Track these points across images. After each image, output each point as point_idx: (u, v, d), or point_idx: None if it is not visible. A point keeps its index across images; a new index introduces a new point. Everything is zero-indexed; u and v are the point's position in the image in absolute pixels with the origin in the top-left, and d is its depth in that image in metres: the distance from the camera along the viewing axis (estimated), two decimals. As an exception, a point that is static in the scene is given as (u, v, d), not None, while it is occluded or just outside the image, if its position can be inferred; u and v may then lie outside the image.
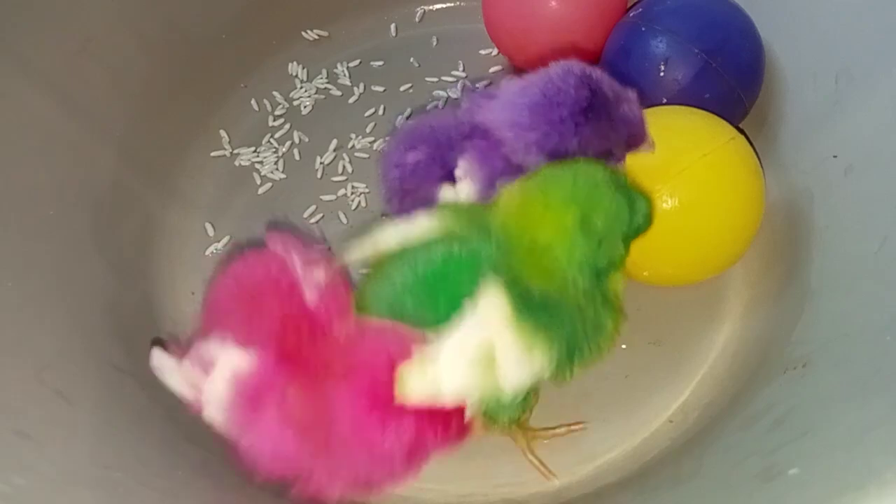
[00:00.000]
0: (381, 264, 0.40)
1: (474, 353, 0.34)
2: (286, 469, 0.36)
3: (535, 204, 0.37)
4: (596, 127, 0.42)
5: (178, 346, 0.40)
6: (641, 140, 0.45)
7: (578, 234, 0.36)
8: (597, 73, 0.45)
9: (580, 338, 0.37)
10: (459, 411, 0.36)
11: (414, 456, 0.36)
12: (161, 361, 0.37)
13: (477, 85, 0.53)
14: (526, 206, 0.37)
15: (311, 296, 0.38)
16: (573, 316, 0.37)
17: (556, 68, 0.46)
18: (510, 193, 0.38)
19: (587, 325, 0.37)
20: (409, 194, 0.44)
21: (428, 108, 0.57)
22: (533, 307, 0.36)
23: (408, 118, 0.58)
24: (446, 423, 0.36)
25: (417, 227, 0.39)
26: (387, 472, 0.36)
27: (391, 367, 0.35)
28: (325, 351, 0.37)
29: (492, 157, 0.42)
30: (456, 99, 0.59)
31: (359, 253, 0.41)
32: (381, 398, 0.35)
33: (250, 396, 0.35)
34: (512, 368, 0.35)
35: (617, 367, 0.47)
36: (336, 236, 0.54)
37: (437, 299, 0.37)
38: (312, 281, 0.38)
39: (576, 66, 0.46)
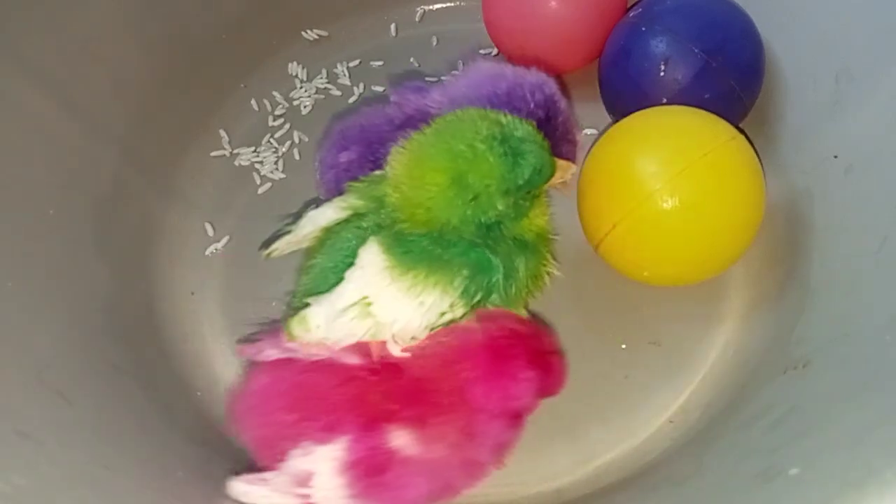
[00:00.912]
0: (307, 255, 0.43)
1: (349, 302, 0.37)
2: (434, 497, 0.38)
3: (416, 166, 0.39)
4: None
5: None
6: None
7: (452, 191, 0.37)
8: (562, 101, 0.46)
9: (493, 279, 0.38)
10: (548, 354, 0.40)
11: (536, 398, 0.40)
12: (246, 489, 0.38)
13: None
14: (409, 169, 0.39)
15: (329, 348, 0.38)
16: (477, 254, 0.38)
17: (531, 77, 0.46)
18: (399, 156, 0.40)
19: (499, 266, 0.38)
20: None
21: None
22: (420, 247, 0.38)
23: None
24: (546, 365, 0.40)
25: (328, 212, 0.42)
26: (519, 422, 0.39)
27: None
28: (396, 379, 0.38)
29: None
30: (384, 95, 0.58)
31: (285, 246, 0.44)
32: (491, 366, 0.38)
33: (366, 471, 0.36)
34: (394, 309, 0.37)
35: (617, 367, 0.47)
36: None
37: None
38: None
39: (549, 85, 0.46)
